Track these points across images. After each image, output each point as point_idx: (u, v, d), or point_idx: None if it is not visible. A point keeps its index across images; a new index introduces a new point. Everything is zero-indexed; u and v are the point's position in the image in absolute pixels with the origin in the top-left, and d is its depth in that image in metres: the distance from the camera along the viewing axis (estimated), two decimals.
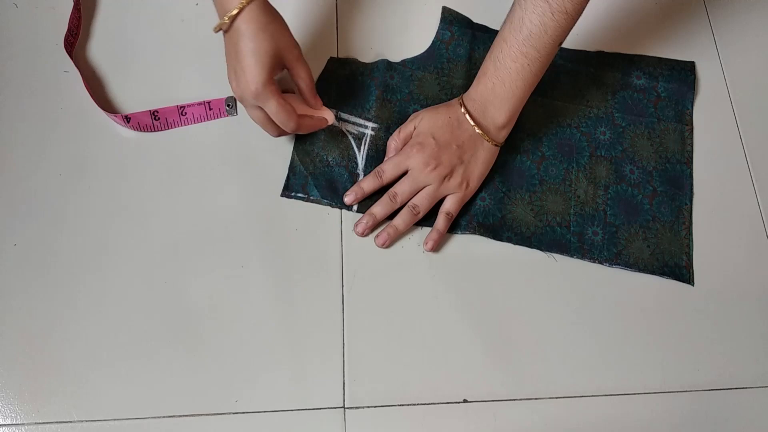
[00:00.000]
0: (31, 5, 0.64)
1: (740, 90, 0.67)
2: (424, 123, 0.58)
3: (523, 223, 0.59)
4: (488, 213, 0.59)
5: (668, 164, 0.62)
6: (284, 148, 0.60)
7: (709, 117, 0.65)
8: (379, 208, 0.57)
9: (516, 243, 0.58)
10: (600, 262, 0.58)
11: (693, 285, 0.58)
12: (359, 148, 0.60)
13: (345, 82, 0.62)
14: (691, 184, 0.62)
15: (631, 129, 0.63)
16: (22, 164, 0.58)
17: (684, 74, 0.66)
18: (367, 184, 0.57)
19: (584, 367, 0.55)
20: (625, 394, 0.54)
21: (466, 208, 0.58)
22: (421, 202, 0.57)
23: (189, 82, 0.62)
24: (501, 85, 0.55)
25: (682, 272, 0.58)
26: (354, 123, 0.61)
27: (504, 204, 0.59)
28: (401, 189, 0.57)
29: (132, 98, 0.61)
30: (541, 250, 0.58)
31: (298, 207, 0.58)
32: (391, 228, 0.57)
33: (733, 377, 0.56)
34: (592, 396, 0.54)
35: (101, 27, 0.64)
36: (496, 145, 0.58)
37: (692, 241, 0.60)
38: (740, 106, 0.66)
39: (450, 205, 0.57)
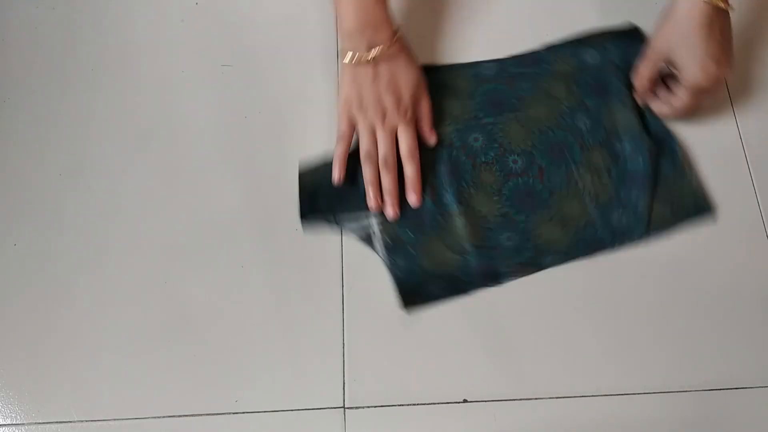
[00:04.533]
0: (31, 5, 0.65)
1: (740, 90, 0.67)
2: (340, 101, 0.58)
3: (554, 242, 0.58)
4: (520, 249, 0.58)
5: (648, 121, 0.63)
6: (284, 147, 0.60)
7: (708, 117, 0.65)
8: (387, 180, 0.57)
9: (559, 263, 0.57)
10: (638, 241, 0.58)
11: (715, 214, 0.60)
12: (374, 246, 0.57)
13: (326, 185, 0.58)
14: (670, 130, 0.63)
15: (606, 108, 0.63)
16: (22, 164, 0.58)
17: (631, 37, 0.66)
18: (370, 173, 0.57)
19: (584, 367, 0.55)
20: (625, 394, 0.54)
21: (498, 252, 0.57)
22: (404, 142, 0.57)
23: (189, 82, 0.62)
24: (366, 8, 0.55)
25: (704, 207, 0.60)
26: (356, 221, 0.58)
27: (529, 232, 0.58)
28: (385, 150, 0.57)
29: (131, 97, 0.61)
30: (584, 257, 0.58)
31: (298, 207, 0.58)
32: (411, 182, 0.57)
33: (733, 377, 0.56)
34: (592, 396, 0.54)
35: (101, 27, 0.64)
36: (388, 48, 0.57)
37: (697, 176, 0.61)
38: (740, 106, 0.66)
39: (404, 145, 0.57)
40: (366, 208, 0.57)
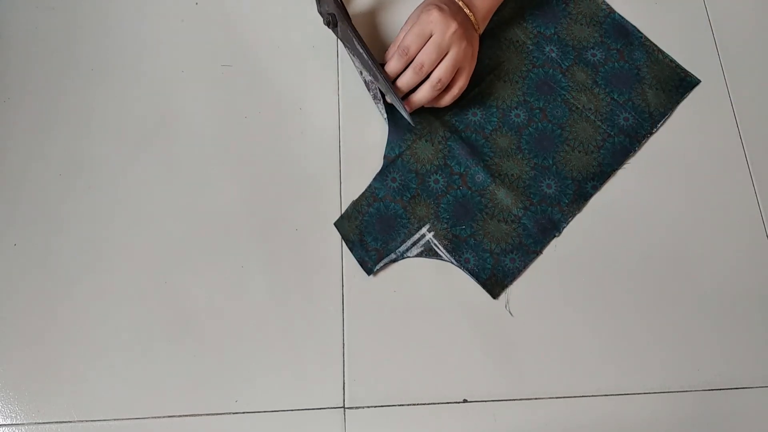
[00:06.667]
0: (31, 5, 0.65)
1: (740, 90, 0.67)
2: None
3: (585, 167, 0.61)
4: (562, 189, 0.60)
5: (608, 19, 0.67)
6: (284, 147, 0.60)
7: (709, 117, 0.65)
8: (404, 80, 0.57)
9: (600, 184, 0.60)
10: (651, 132, 0.63)
11: (701, 81, 0.65)
12: (440, 255, 0.57)
13: (367, 226, 0.58)
14: (629, 23, 0.67)
15: (562, 29, 0.67)
16: (22, 164, 0.58)
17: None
18: (393, 65, 0.56)
19: (584, 367, 0.55)
20: (625, 394, 0.54)
21: (545, 203, 0.59)
22: (444, 73, 0.56)
23: (189, 82, 0.62)
24: None
25: (689, 79, 0.65)
26: (411, 241, 0.57)
27: (561, 170, 0.61)
28: (427, 58, 0.55)
29: (131, 97, 0.61)
30: (617, 168, 0.61)
31: (298, 207, 0.58)
32: (408, 104, 0.57)
33: (733, 377, 0.56)
34: (592, 396, 0.54)
35: (101, 27, 0.64)
36: (477, 33, 0.60)
37: (669, 56, 0.66)
38: (740, 106, 0.66)
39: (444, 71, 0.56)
40: (410, 225, 0.58)
